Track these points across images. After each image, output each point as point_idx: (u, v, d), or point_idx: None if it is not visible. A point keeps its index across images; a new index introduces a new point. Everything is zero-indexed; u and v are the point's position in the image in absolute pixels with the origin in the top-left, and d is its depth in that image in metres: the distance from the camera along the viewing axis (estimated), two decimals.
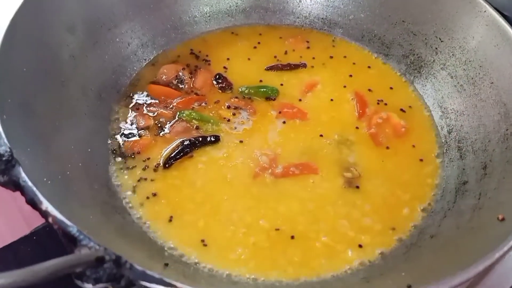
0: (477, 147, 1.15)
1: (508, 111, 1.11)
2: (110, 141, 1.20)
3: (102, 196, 1.08)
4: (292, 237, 1.07)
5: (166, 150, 1.19)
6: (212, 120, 1.25)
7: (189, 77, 1.33)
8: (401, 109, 1.30)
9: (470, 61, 1.23)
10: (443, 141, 1.24)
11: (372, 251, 1.06)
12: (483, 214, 1.01)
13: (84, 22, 1.23)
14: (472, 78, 1.22)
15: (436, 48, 1.31)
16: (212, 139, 1.21)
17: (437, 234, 1.05)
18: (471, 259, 0.84)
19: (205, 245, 1.05)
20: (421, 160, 1.21)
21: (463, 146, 1.19)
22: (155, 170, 1.16)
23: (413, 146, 1.23)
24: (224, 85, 1.32)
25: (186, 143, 1.19)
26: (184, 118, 1.25)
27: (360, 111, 1.29)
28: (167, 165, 1.17)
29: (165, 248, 1.04)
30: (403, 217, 1.12)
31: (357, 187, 1.15)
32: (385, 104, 1.31)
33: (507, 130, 1.10)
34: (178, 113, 1.26)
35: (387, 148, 1.22)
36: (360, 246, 1.06)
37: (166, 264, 0.98)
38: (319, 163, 1.19)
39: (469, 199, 1.07)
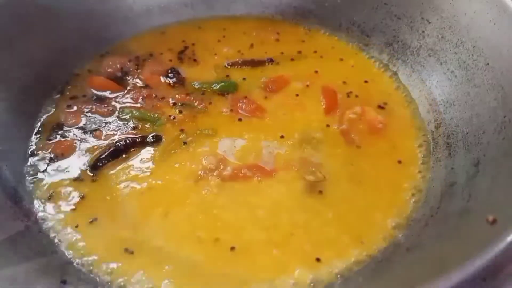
0: (469, 141, 0.94)
1: (506, 95, 0.90)
2: (31, 141, 1.03)
3: (2, 200, 0.91)
4: (232, 249, 0.86)
5: (96, 152, 1.00)
6: (156, 119, 1.06)
7: (135, 69, 1.15)
8: (379, 106, 1.09)
9: (461, 42, 1.03)
10: (429, 138, 1.03)
11: (331, 267, 0.85)
12: (471, 218, 0.80)
13: (10, 3, 1.07)
14: (465, 62, 1.01)
15: (423, 32, 1.11)
16: (152, 139, 1.03)
17: (414, 246, 0.84)
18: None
19: (129, 254, 0.87)
20: (399, 161, 0.99)
21: (452, 141, 0.98)
22: (79, 175, 0.98)
23: (391, 145, 1.02)
24: (175, 80, 1.14)
25: (119, 144, 1.01)
26: (123, 117, 1.07)
27: (326, 107, 1.08)
28: (95, 168, 0.98)
29: (74, 262, 0.86)
30: (374, 227, 0.91)
31: (320, 192, 0.93)
32: (357, 97, 1.11)
33: (505, 117, 0.88)
34: (118, 110, 1.08)
35: (359, 147, 1.02)
36: (318, 260, 0.85)
37: (64, 282, 0.81)
38: (276, 165, 0.97)
39: (456, 203, 0.87)
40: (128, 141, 1.01)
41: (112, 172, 0.98)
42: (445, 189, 0.91)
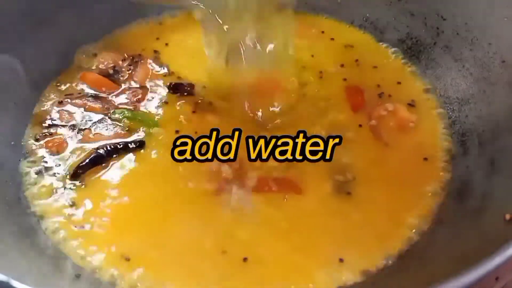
0: (485, 140, 0.93)
1: None
2: (22, 139, 1.00)
3: (12, 193, 0.91)
4: (245, 260, 0.84)
5: (78, 157, 0.97)
6: (150, 121, 1.03)
7: (127, 69, 1.12)
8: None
9: (477, 39, 1.01)
10: (444, 136, 1.01)
11: (354, 268, 0.84)
12: (486, 217, 0.79)
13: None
14: (480, 59, 1.00)
15: (438, 28, 1.10)
16: (133, 145, 0.98)
17: (429, 245, 0.84)
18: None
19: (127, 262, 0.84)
20: (425, 159, 0.98)
21: (467, 140, 0.97)
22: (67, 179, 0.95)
23: (417, 143, 1.01)
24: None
25: (100, 151, 0.96)
26: (114, 118, 1.03)
27: (352, 105, 1.06)
28: (75, 176, 0.94)
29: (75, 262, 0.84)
30: (397, 227, 0.89)
31: (349, 193, 0.92)
32: (390, 96, 1.08)
33: None
34: (110, 111, 1.04)
35: (387, 145, 1.00)
36: (341, 260, 0.84)
37: (78, 276, 0.81)
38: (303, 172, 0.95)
39: (472, 201, 0.86)
40: (109, 149, 0.97)
41: (97, 178, 0.95)
42: (460, 188, 0.90)
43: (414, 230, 0.88)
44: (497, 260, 0.63)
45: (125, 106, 1.05)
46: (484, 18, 1.00)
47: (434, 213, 0.90)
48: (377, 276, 0.83)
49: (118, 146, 0.97)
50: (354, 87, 1.09)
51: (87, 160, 0.95)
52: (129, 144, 0.98)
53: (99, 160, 0.95)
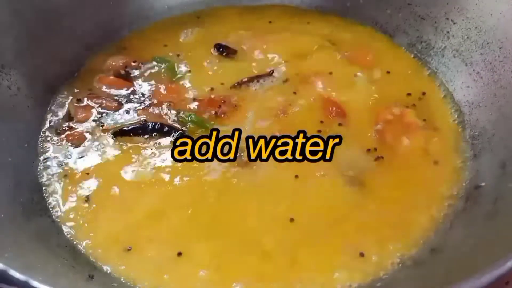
0: (495, 143, 0.93)
1: None
2: (44, 135, 1.02)
3: (27, 195, 0.91)
4: None
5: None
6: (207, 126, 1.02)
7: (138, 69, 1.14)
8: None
9: (488, 43, 1.02)
10: (454, 139, 1.01)
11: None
12: (498, 221, 0.80)
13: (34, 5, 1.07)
14: (491, 63, 1.00)
15: (448, 32, 1.10)
16: (177, 133, 1.00)
17: (439, 248, 0.84)
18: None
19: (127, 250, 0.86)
20: (435, 162, 0.97)
21: (478, 143, 0.97)
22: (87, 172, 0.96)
23: (425, 147, 0.99)
24: (227, 53, 1.15)
25: (147, 123, 1.01)
26: (180, 118, 1.03)
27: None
28: (116, 135, 1.01)
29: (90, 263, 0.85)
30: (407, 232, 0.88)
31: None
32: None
33: None
34: (178, 111, 1.05)
35: (392, 150, 0.98)
36: (361, 255, 0.84)
37: (91, 276, 0.81)
38: None
39: (483, 205, 0.86)
40: (156, 124, 1.00)
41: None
42: (470, 191, 0.90)
43: (425, 233, 0.87)
44: (508, 264, 0.63)
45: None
46: (496, 21, 1.00)
47: (444, 216, 0.89)
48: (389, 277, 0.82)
49: (164, 127, 1.00)
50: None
51: (132, 127, 1.01)
52: (173, 130, 1.01)
53: (142, 130, 1.00)
